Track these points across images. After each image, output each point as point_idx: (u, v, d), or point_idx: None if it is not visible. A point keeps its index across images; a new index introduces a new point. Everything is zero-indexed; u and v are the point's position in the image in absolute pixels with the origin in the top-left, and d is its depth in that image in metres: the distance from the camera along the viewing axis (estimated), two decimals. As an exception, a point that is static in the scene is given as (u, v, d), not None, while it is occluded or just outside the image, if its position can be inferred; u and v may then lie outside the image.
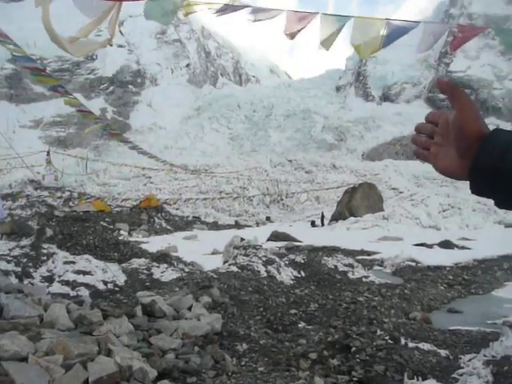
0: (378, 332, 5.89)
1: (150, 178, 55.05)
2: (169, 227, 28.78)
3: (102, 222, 22.01)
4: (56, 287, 8.01)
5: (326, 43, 4.54)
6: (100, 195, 46.19)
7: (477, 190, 0.69)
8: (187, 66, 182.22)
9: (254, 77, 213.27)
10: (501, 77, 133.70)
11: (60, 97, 12.36)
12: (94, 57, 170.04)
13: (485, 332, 7.01)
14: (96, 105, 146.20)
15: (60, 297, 6.87)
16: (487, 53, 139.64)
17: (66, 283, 8.21)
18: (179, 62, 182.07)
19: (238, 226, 35.33)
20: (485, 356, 4.59)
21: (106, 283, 8.54)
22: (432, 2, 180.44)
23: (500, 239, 19.06)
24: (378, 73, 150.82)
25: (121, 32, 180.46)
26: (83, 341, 4.40)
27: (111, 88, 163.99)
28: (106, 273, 9.03)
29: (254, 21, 5.02)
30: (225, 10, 4.96)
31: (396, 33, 4.95)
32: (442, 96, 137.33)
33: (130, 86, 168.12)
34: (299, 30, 4.61)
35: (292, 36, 4.61)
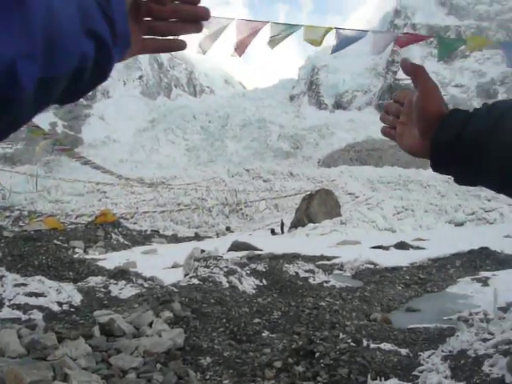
0: (341, 335, 5.96)
1: (105, 192, 53.62)
2: (127, 242, 28.06)
3: (55, 241, 21.15)
4: (6, 312, 7.57)
5: (272, 43, 4.60)
6: (52, 213, 44.48)
7: (436, 167, 0.72)
8: (140, 77, 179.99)
9: (208, 87, 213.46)
10: (444, 83, 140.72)
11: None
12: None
13: (441, 328, 7.24)
14: (45, 119, 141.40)
15: (10, 322, 6.51)
16: (431, 61, 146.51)
17: (17, 307, 7.77)
18: (131, 73, 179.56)
19: (197, 237, 34.99)
20: (442, 352, 4.73)
21: (60, 304, 8.17)
22: (378, 13, 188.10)
23: (451, 238, 19.89)
24: (329, 81, 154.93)
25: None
26: (36, 367, 4.17)
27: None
28: (60, 293, 8.64)
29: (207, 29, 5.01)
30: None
31: (345, 42, 5.10)
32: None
33: (81, 99, 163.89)
34: (246, 47, 4.65)
35: (240, 53, 4.64)
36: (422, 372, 4.34)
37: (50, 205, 51.22)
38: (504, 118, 0.62)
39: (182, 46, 0.62)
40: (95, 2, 0.45)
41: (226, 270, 10.98)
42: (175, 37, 0.59)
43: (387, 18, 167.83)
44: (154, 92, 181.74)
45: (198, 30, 0.60)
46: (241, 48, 4.67)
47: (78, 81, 0.45)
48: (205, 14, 0.58)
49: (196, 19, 0.58)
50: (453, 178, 0.72)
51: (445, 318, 8.23)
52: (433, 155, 0.71)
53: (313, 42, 4.69)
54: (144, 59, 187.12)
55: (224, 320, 7.22)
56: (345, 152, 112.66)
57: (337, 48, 4.86)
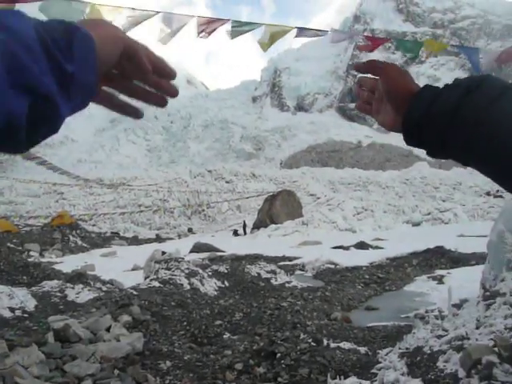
0: (302, 336, 6.00)
1: (63, 193, 51.88)
2: (85, 245, 27.25)
3: (8, 244, 20.28)
4: (-47, 319, 7.17)
5: (233, 34, 4.58)
6: (6, 214, 42.59)
7: (409, 142, 0.75)
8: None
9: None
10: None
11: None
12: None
13: (399, 326, 7.43)
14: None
15: (-43, 330, 6.16)
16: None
17: (-35, 314, 7.38)
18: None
19: (159, 239, 34.46)
20: (399, 349, 4.85)
21: (13, 310, 7.80)
22: (338, 18, 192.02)
23: (409, 237, 20.51)
24: (291, 83, 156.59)
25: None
26: (-15, 377, 3.96)
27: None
28: (12, 299, 8.26)
29: (167, 28, 4.93)
30: (134, 16, 4.82)
31: (307, 34, 5.12)
32: (351, 105, 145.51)
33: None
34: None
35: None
36: (380, 370, 4.43)
37: (4, 206, 49.04)
38: (469, 93, 0.66)
39: (138, 115, 0.62)
40: (44, 54, 0.43)
41: (187, 271, 10.84)
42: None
43: (347, 22, 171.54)
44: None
45: (162, 105, 0.60)
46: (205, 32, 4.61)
47: (12, 138, 0.43)
48: (174, 94, 0.60)
49: (165, 94, 0.59)
50: (425, 152, 0.74)
51: (402, 315, 8.46)
52: (405, 130, 0.74)
53: (263, 45, 4.71)
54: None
55: (185, 323, 7.12)
56: (306, 153, 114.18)
57: (299, 35, 4.88)
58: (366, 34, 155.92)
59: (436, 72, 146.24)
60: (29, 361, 4.66)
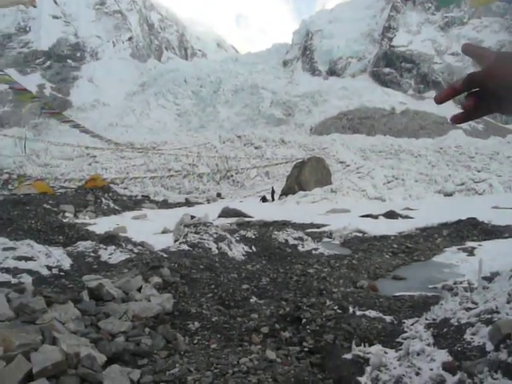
0: (328, 302, 6.06)
1: (95, 157, 53.06)
2: (117, 207, 28.01)
3: (45, 205, 21.06)
4: (-5, 275, 7.57)
5: None
6: (42, 176, 44.04)
7: None
8: (129, 39, 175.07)
9: (200, 50, 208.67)
10: (440, 51, 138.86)
11: (-11, 72, 11.44)
12: (27, 29, 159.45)
13: (426, 296, 7.39)
14: (33, 80, 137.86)
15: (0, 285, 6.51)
16: (428, 28, 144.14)
17: (7, 270, 7.77)
18: (121, 34, 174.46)
19: (188, 203, 35.02)
20: (426, 319, 4.83)
21: (50, 268, 8.17)
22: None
23: (440, 208, 20.11)
24: (324, 47, 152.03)
25: (55, 1, 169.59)
26: (25, 330, 4.19)
27: (48, 62, 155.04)
28: (49, 258, 8.64)
29: None
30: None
31: None
32: (386, 70, 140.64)
33: (69, 61, 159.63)
34: None
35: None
36: (405, 339, 4.44)
37: (39, 168, 50.68)
38: None
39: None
40: None
41: (215, 236, 11.03)
42: None
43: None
44: (144, 54, 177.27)
45: None
46: None
47: None
48: None
49: None
50: None
51: (430, 286, 8.39)
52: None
53: None
54: (134, 20, 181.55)
55: (213, 286, 7.29)
56: (337, 120, 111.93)
57: None
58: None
59: (479, 34, 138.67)
60: (65, 317, 4.90)
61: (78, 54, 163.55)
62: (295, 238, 12.22)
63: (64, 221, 16.09)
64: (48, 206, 20.98)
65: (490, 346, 3.49)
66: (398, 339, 4.64)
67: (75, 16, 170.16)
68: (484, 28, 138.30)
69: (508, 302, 4.10)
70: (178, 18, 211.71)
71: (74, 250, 10.06)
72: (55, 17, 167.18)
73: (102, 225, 17.52)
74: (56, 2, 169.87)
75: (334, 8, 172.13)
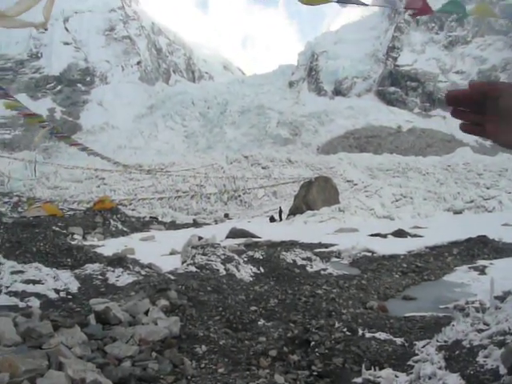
0: (337, 324, 5.97)
1: (104, 179, 53.52)
2: (125, 229, 28.07)
3: (53, 227, 21.17)
4: (3, 299, 7.57)
5: None
6: (51, 199, 44.43)
7: None
8: (138, 63, 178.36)
9: (207, 73, 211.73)
10: (445, 70, 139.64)
11: (0, 99, 11.66)
12: (39, 55, 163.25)
13: (437, 317, 7.26)
14: (43, 105, 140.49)
15: (7, 309, 6.51)
16: (432, 47, 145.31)
17: (15, 294, 7.77)
18: (130, 59, 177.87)
19: (196, 224, 35.02)
20: (437, 341, 4.73)
21: (57, 291, 8.16)
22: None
23: (449, 226, 19.91)
24: (329, 68, 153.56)
25: (66, 28, 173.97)
26: (32, 355, 4.17)
27: (59, 87, 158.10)
28: (57, 281, 8.64)
29: None
30: None
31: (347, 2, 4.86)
32: (391, 89, 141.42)
33: (79, 85, 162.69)
34: None
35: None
36: (416, 362, 4.35)
37: (49, 191, 51.19)
38: None
39: None
40: None
41: (223, 257, 10.98)
42: None
43: None
44: (152, 78, 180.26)
45: None
46: None
47: None
48: None
49: None
50: None
51: (441, 306, 8.25)
52: None
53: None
54: (142, 44, 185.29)
55: (220, 308, 7.22)
56: (344, 139, 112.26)
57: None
58: (407, 13, 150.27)
59: (483, 53, 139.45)
60: (72, 341, 4.87)
61: (88, 79, 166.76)
62: (303, 259, 12.13)
63: (72, 243, 16.14)
64: (57, 229, 21.10)
65: (503, 370, 3.40)
66: (409, 362, 4.55)
67: (85, 42, 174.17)
68: (488, 46, 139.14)
69: (521, 323, 4.02)
70: (186, 42, 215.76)
71: (82, 272, 10.06)
72: (66, 43, 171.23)
73: (110, 246, 17.54)
74: (67, 29, 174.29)
75: (338, 29, 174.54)
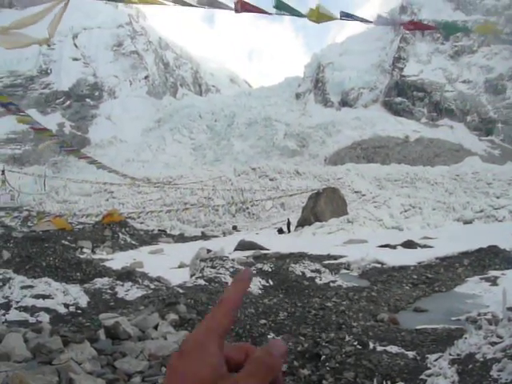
0: (347, 337, 5.91)
1: (112, 192, 53.82)
2: (134, 242, 28.15)
3: (63, 241, 21.31)
4: (13, 314, 7.61)
5: (278, 4, 4.57)
6: (60, 213, 44.71)
7: None
8: (146, 77, 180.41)
9: (213, 86, 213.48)
10: (452, 79, 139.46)
11: (12, 114, 11.85)
12: (49, 71, 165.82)
13: (449, 329, 7.16)
14: (53, 120, 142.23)
15: (17, 324, 6.54)
16: (438, 57, 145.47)
17: (25, 309, 7.81)
18: (137, 73, 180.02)
19: (204, 236, 35.01)
20: (450, 355, 4.67)
21: (67, 306, 8.19)
22: (383, 10, 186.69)
23: (459, 236, 19.70)
24: (335, 79, 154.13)
25: (75, 45, 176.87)
26: (42, 371, 4.17)
27: (68, 102, 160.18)
28: (67, 295, 8.67)
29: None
30: None
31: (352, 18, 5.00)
32: (398, 100, 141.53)
33: (88, 100, 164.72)
34: None
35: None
36: (429, 376, 4.29)
37: (58, 205, 51.54)
38: None
39: None
40: None
41: (231, 270, 10.96)
42: None
43: (393, 14, 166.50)
44: (160, 92, 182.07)
45: None
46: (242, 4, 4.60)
47: None
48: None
49: None
50: None
51: (453, 318, 8.15)
52: None
53: (311, 16, 4.61)
54: (150, 59, 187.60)
55: (230, 322, 7.18)
56: (351, 150, 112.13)
57: (344, 16, 4.77)
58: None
59: (489, 62, 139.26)
60: (82, 357, 4.87)
61: (97, 93, 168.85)
62: (312, 271, 12.06)
63: (81, 257, 16.21)
64: (66, 243, 21.22)
65: (518, 384, 3.34)
66: (422, 376, 4.49)
67: (94, 57, 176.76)
68: (494, 55, 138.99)
69: (535, 336, 3.95)
70: (192, 56, 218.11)
71: (92, 286, 10.09)
72: (75, 59, 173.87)
73: (119, 260, 17.58)
74: (76, 45, 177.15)
75: (344, 41, 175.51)
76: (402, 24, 5.53)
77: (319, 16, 4.67)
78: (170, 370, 0.44)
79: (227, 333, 0.48)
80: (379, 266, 13.60)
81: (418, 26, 5.41)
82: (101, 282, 10.39)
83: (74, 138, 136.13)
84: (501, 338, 4.46)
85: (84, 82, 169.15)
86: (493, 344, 4.34)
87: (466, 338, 5.03)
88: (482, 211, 31.71)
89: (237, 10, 4.80)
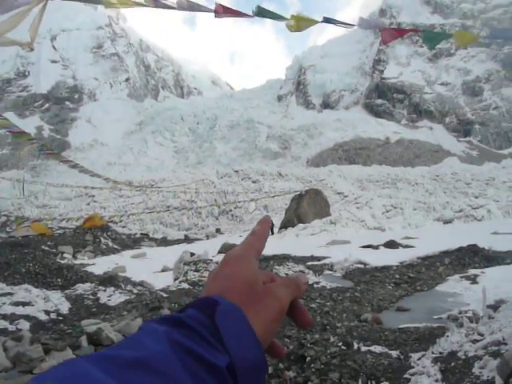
0: (332, 338, 5.94)
1: (94, 196, 53.12)
2: (116, 246, 27.83)
3: (43, 247, 20.94)
4: (-8, 322, 7.43)
5: (259, 12, 4.57)
6: (40, 218, 43.91)
7: None
8: (126, 80, 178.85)
9: (195, 89, 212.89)
10: (430, 82, 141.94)
11: (-12, 118, 11.60)
12: (26, 73, 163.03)
13: (432, 328, 7.26)
14: (31, 123, 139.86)
15: (-4, 333, 6.38)
16: (417, 60, 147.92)
17: (4, 317, 7.63)
18: (118, 76, 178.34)
19: (187, 240, 34.82)
20: (433, 353, 4.73)
21: (48, 313, 8.03)
22: (364, 13, 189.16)
23: (440, 236, 20.03)
24: (317, 81, 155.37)
25: (53, 46, 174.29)
26: (22, 381, 4.08)
27: (47, 105, 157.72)
28: (47, 302, 8.51)
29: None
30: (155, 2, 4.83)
31: (334, 23, 5.05)
32: (378, 101, 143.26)
33: (67, 103, 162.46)
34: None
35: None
36: (413, 375, 4.33)
37: (38, 210, 50.61)
38: None
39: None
40: (188, 372, 0.39)
41: (215, 273, 10.92)
42: None
43: (373, 17, 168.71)
44: (141, 94, 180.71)
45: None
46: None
47: None
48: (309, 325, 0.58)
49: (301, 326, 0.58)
50: None
51: (435, 317, 8.26)
52: None
53: (290, 27, 4.65)
54: (130, 61, 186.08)
55: (214, 325, 7.15)
56: (333, 151, 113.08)
57: (326, 21, 4.82)
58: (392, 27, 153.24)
59: (466, 64, 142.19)
60: (64, 364, 4.78)
61: (76, 96, 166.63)
62: (296, 272, 12.09)
63: (62, 262, 15.94)
64: (46, 248, 20.86)
65: (499, 380, 3.40)
66: (406, 375, 4.53)
67: (73, 60, 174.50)
68: (471, 58, 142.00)
69: (514, 333, 4.03)
70: (174, 58, 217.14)
71: (73, 292, 9.93)
72: (54, 61, 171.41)
73: (101, 265, 17.35)
74: (54, 47, 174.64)
75: (325, 44, 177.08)
76: (383, 30, 5.60)
77: (298, 26, 4.70)
78: (216, 274, 0.54)
79: (260, 254, 0.60)
80: (362, 266, 13.72)
81: (399, 32, 5.47)
82: (82, 288, 10.23)
83: (54, 142, 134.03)
84: (482, 335, 4.54)
85: (63, 84, 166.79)
86: (474, 342, 4.41)
87: (447, 337, 5.10)
88: (461, 211, 32.30)
89: (217, 14, 4.79)
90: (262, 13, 4.87)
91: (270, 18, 5.01)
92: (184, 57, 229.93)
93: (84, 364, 0.36)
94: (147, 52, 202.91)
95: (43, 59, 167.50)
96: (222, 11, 4.85)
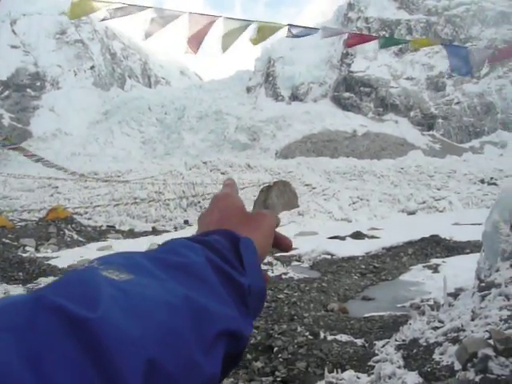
0: (299, 329, 6.02)
1: (57, 187, 51.60)
2: (81, 239, 27.20)
3: (3, 239, 20.25)
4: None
5: (225, 45, 4.56)
6: (0, 210, 42.34)
7: None
8: (91, 68, 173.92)
9: (163, 78, 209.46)
10: (396, 76, 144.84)
11: None
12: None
13: (395, 316, 7.48)
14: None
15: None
16: (383, 54, 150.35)
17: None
18: (82, 63, 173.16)
19: (155, 232, 34.43)
20: (396, 341, 4.87)
21: (9, 308, 7.80)
22: (332, 6, 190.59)
23: (404, 226, 20.58)
24: (286, 73, 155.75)
25: (14, 32, 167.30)
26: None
27: (7, 92, 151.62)
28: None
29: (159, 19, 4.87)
30: (127, 11, 4.75)
31: (299, 34, 5.12)
32: (346, 95, 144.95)
33: (29, 90, 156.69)
34: (200, 43, 4.58)
35: (195, 50, 4.55)
36: (376, 362, 4.45)
37: (-2, 201, 48.75)
38: None
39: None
40: (221, 283, 0.44)
41: (183, 265, 10.85)
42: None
43: (341, 10, 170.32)
44: (106, 83, 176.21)
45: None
46: (194, 44, 4.56)
47: None
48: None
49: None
50: None
51: (398, 305, 8.51)
52: None
53: (253, 41, 4.69)
54: (96, 48, 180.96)
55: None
56: (301, 143, 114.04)
57: (292, 36, 4.89)
58: (359, 22, 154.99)
59: (430, 60, 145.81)
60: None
61: (38, 84, 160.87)
62: (264, 263, 12.17)
63: (24, 255, 15.46)
64: (7, 241, 20.18)
65: (458, 366, 3.54)
66: (370, 363, 4.65)
67: (34, 45, 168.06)
68: (435, 54, 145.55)
69: (472, 319, 4.20)
70: (141, 47, 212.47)
71: (35, 286, 9.65)
72: (14, 46, 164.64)
73: (65, 258, 16.94)
74: (14, 32, 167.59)
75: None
76: (344, 41, 5.75)
77: (263, 37, 4.73)
78: (212, 209, 0.67)
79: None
80: (329, 257, 13.96)
81: (361, 39, 5.60)
82: (45, 282, 9.95)
83: (15, 131, 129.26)
84: (442, 322, 4.71)
85: (24, 71, 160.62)
86: (435, 329, 4.57)
87: (410, 324, 5.27)
88: (424, 202, 33.30)
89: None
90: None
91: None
92: (151, 46, 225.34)
93: (138, 257, 0.42)
94: (113, 40, 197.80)
95: (2, 44, 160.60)
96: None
